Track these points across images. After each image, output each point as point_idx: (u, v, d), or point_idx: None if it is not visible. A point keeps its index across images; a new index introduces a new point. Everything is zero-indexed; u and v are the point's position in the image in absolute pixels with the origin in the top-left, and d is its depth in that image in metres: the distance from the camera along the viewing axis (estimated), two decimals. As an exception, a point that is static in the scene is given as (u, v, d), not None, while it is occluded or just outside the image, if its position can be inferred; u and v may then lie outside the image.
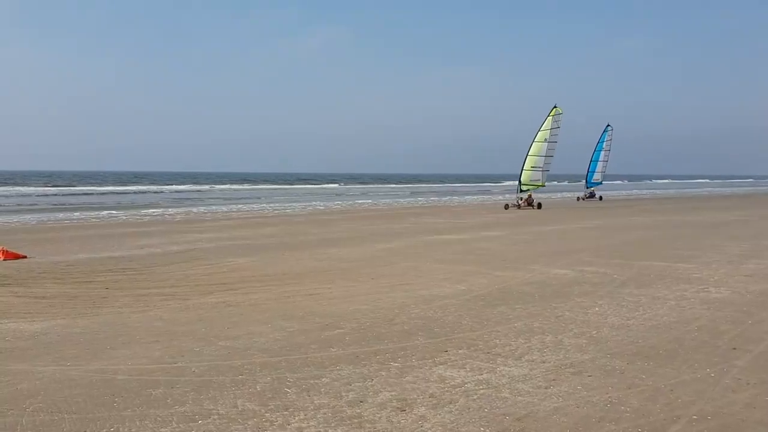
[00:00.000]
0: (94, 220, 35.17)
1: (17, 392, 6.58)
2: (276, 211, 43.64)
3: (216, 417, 5.89)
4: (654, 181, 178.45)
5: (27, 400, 6.34)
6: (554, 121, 45.33)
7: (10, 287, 13.13)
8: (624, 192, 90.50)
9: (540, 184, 46.16)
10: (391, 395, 6.45)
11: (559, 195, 71.97)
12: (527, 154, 45.95)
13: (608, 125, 60.95)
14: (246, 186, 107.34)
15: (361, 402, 6.27)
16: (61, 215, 38.35)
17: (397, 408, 6.12)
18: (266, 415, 5.95)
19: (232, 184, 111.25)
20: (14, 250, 18.32)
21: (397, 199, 64.07)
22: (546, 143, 45.55)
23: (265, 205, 53.19)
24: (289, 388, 6.67)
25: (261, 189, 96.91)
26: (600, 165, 61.54)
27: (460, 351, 8.07)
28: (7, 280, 13.97)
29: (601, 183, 62.71)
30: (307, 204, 53.97)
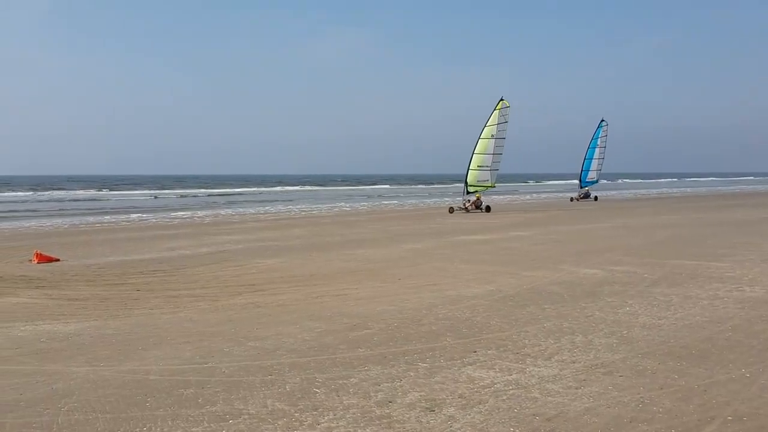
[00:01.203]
0: (124, 223, 35.72)
1: (53, 392, 6.70)
2: (303, 213, 43.88)
3: (246, 417, 5.94)
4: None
5: (62, 399, 6.46)
6: (501, 115, 40.97)
7: (44, 289, 13.39)
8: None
9: (489, 184, 41.81)
10: (420, 395, 6.44)
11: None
12: (473, 152, 41.37)
13: (602, 120, 58.15)
14: (274, 188, 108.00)
15: (389, 402, 6.28)
16: (92, 218, 39.02)
17: (426, 408, 6.10)
18: (296, 415, 5.98)
19: (257, 186, 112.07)
20: (48, 254, 18.68)
21: (423, 200, 63.98)
22: (493, 140, 40.94)
23: (292, 206, 53.51)
24: (318, 388, 6.70)
25: (285, 191, 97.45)
26: (595, 163, 58.60)
27: (489, 351, 8.03)
28: (42, 283, 14.25)
29: (596, 182, 59.87)
30: (333, 205, 54.17)
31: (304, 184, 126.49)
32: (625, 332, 8.90)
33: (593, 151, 58.10)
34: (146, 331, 9.45)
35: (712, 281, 12.88)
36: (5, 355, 8.20)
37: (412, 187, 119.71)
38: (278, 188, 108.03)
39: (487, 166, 41.40)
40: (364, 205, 54.05)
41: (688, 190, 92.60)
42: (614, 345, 8.25)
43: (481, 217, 35.50)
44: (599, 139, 57.91)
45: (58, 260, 18.15)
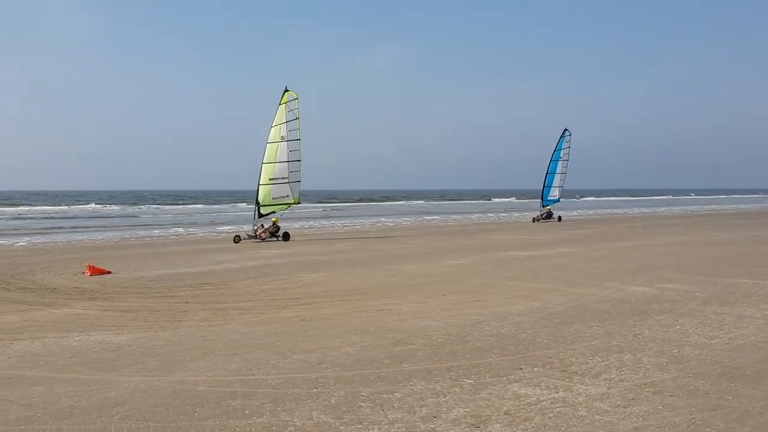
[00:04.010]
0: (173, 237, 36.49)
1: (105, 401, 6.89)
2: (346, 228, 44.13)
3: (292, 429, 6.00)
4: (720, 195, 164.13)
5: (114, 408, 6.63)
6: (288, 110, 32.45)
7: (97, 301, 13.78)
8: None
9: (292, 201, 33.34)
10: (465, 411, 6.41)
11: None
12: (262, 163, 32.67)
13: (566, 130, 51.24)
14: (315, 204, 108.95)
15: (434, 417, 6.26)
16: (141, 232, 39.99)
17: (471, 424, 6.07)
18: (341, 428, 6.01)
19: (306, 202, 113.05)
20: (100, 266, 19.22)
21: (468, 215, 63.67)
22: (284, 142, 32.46)
23: (335, 221, 53.88)
24: (363, 402, 6.72)
25: (328, 206, 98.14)
26: (557, 178, 51.30)
27: (535, 369, 7.94)
28: (94, 295, 14.67)
29: (558, 200, 51.74)
30: (376, 220, 54.34)
31: (346, 200, 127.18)
32: (675, 351, 8.69)
33: (556, 165, 51.23)
34: (195, 342, 9.64)
35: (767, 301, 12.48)
36: (60, 364, 8.47)
37: (454, 202, 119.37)
38: (314, 203, 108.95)
39: (284, 178, 32.80)
40: (406, 221, 54.06)
41: (742, 206, 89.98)
42: (664, 364, 8.06)
43: (527, 233, 35.05)
44: (562, 151, 51.16)
45: (109, 273, 18.65)
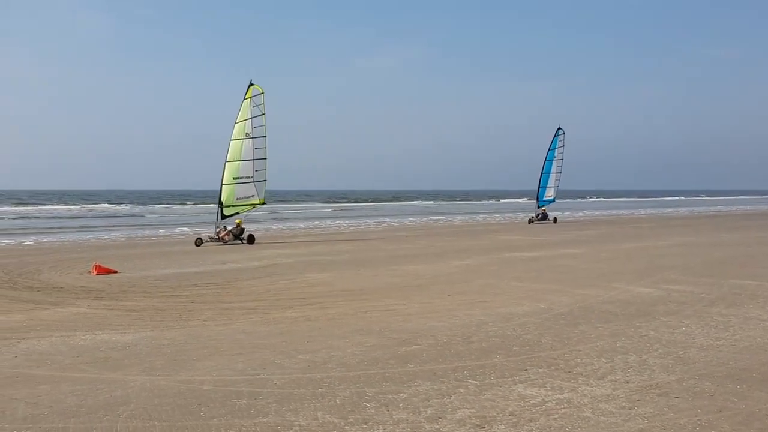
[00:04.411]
0: (179, 236, 36.58)
1: (112, 399, 6.92)
2: (351, 228, 44.16)
3: (297, 428, 6.02)
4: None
5: (120, 407, 6.66)
6: (253, 105, 30.77)
7: (103, 300, 13.83)
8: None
9: (257, 201, 31.63)
10: (470, 412, 6.41)
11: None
12: (225, 161, 30.84)
13: (559, 128, 49.89)
14: (321, 204, 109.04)
15: (439, 418, 6.26)
16: (147, 231, 40.11)
17: (477, 425, 6.07)
18: (346, 428, 6.03)
19: (304, 203, 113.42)
20: (106, 266, 19.29)
21: (474, 216, 63.62)
22: (250, 139, 30.74)
23: (340, 221, 53.92)
24: (368, 402, 6.73)
25: (333, 207, 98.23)
26: (552, 178, 49.95)
27: (540, 370, 7.94)
28: (101, 294, 14.73)
29: (553, 200, 50.73)
30: (381, 220, 54.36)
31: (352, 200, 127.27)
32: (681, 353, 8.67)
33: (550, 164, 49.89)
34: (200, 342, 9.67)
35: (773, 302, 12.45)
36: (67, 363, 8.51)
37: (460, 203, 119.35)
38: (322, 203, 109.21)
39: (249, 177, 31.08)
40: (411, 221, 54.05)
41: (748, 207, 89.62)
42: (670, 366, 8.05)
43: (533, 234, 35.04)
44: (556, 150, 49.71)
45: (116, 272, 18.71)
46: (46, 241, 32.81)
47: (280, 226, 47.05)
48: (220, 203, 30.79)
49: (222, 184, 30.68)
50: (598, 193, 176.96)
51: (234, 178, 30.79)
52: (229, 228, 30.03)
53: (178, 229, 42.62)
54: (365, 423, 6.14)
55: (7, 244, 31.05)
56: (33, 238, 35.26)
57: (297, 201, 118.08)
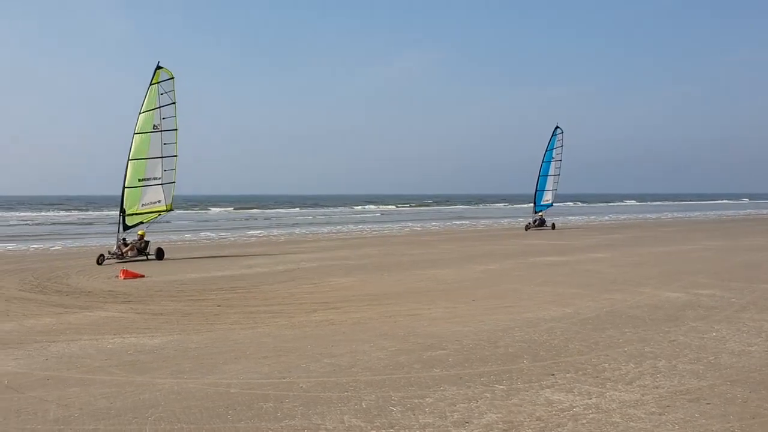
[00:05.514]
0: (204, 241, 36.91)
1: (140, 402, 6.99)
2: (374, 233, 44.19)
3: (324, 432, 6.02)
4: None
5: (149, 409, 6.72)
6: (161, 92, 25.96)
7: (131, 304, 14.00)
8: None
9: (163, 207, 26.62)
10: (497, 417, 6.37)
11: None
12: (128, 159, 25.62)
13: (557, 127, 46.16)
14: (341, 209, 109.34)
15: (466, 423, 6.23)
16: (173, 236, 40.50)
17: (504, 430, 6.02)
18: (372, 432, 6.02)
19: (327, 207, 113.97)
20: (133, 270, 19.52)
21: (498, 220, 63.30)
22: (159, 133, 25.89)
23: (363, 226, 53.99)
24: (394, 407, 6.72)
25: (353, 211, 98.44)
26: (550, 181, 46.41)
27: (567, 375, 7.86)
28: (128, 298, 14.91)
29: (551, 205, 47.05)
30: (404, 225, 54.31)
31: (381, 203, 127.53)
32: (711, 358, 8.53)
33: (548, 167, 46.27)
34: (227, 345, 9.73)
35: (806, 307, 12.19)
36: (96, 366, 8.62)
37: (485, 206, 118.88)
38: (343, 208, 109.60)
39: (156, 178, 26.11)
40: (434, 225, 53.94)
41: (765, 212, 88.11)
42: (700, 371, 7.92)
43: (558, 238, 34.73)
44: (554, 151, 46.11)
45: (143, 276, 18.93)
46: (73, 246, 33.30)
47: (304, 231, 47.26)
48: (122, 211, 25.67)
49: (124, 187, 25.53)
50: (633, 197, 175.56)
51: (139, 180, 25.80)
52: (130, 241, 25.44)
53: (203, 234, 42.99)
54: (391, 427, 6.13)
55: (36, 249, 31.59)
56: (60, 243, 35.82)
57: (307, 205, 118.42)
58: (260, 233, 44.08)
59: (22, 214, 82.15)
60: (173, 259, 25.03)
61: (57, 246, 33.33)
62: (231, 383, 7.67)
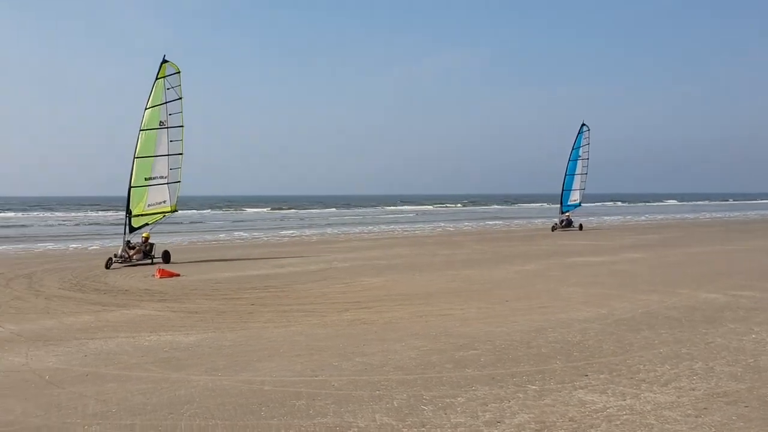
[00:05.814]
0: (238, 240, 37.33)
1: (175, 398, 7.12)
2: (405, 233, 44.18)
3: (356, 430, 6.06)
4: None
5: (184, 405, 6.84)
6: (167, 86, 24.66)
7: (167, 303, 14.24)
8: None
9: (168, 208, 25.26)
10: (530, 417, 6.33)
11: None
12: (134, 157, 24.34)
13: (583, 125, 44.46)
14: (373, 209, 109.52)
15: (498, 422, 6.20)
16: (208, 236, 41.06)
17: (536, 430, 5.99)
18: (404, 430, 6.04)
19: (356, 207, 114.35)
20: (169, 269, 19.84)
21: (531, 220, 62.77)
22: (165, 130, 24.67)
23: (394, 226, 54.01)
24: (426, 406, 6.72)
25: (384, 211, 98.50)
26: (577, 180, 44.58)
27: (601, 376, 7.77)
28: (165, 297, 15.16)
29: (579, 205, 45.14)
30: (436, 225, 54.18)
31: (410, 203, 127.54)
32: (750, 361, 8.35)
33: (575, 165, 44.56)
34: (260, 343, 9.84)
35: None
36: (133, 362, 8.79)
37: (518, 206, 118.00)
38: (377, 208, 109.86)
39: (162, 177, 24.95)
40: (467, 225, 53.71)
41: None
42: (738, 373, 7.76)
43: (590, 238, 34.32)
44: (581, 149, 44.47)
45: (178, 275, 19.23)
46: (111, 246, 33.95)
47: (335, 231, 47.47)
48: (128, 212, 24.59)
49: (130, 187, 24.36)
50: (675, 197, 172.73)
51: (146, 179, 24.63)
52: (134, 244, 24.24)
53: (237, 233, 43.49)
54: (423, 426, 6.14)
55: (75, 248, 32.30)
56: (98, 242, 36.55)
57: (337, 205, 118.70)
58: (293, 233, 44.40)
59: (61, 214, 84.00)
60: (207, 260, 25.37)
61: (95, 245, 34.03)
62: (264, 380, 7.76)
